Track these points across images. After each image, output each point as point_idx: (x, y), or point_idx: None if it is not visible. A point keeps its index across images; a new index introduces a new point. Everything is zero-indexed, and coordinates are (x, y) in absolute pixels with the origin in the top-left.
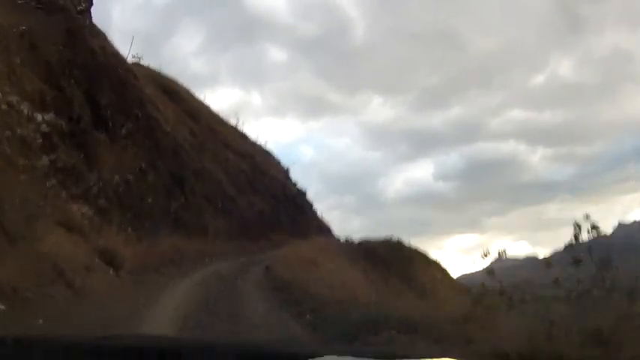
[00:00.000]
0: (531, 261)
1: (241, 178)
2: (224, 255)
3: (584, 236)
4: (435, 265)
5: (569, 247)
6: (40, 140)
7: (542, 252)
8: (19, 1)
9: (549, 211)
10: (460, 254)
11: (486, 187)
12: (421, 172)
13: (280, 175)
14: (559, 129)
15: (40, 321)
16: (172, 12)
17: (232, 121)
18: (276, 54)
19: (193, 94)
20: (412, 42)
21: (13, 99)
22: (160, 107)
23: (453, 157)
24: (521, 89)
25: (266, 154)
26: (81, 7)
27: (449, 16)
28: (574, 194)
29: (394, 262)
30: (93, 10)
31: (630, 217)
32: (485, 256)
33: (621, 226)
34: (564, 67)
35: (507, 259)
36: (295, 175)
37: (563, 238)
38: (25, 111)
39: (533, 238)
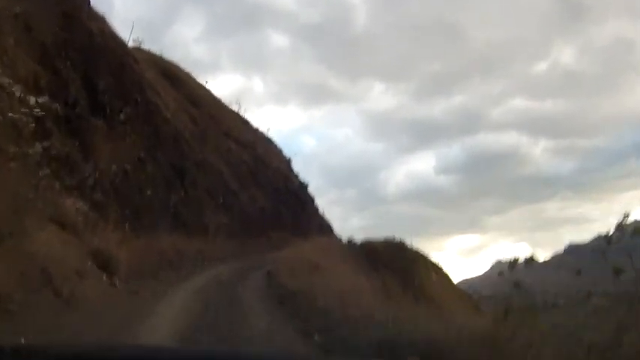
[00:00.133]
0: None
1: (243, 170)
2: (225, 256)
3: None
4: (436, 270)
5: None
6: (32, 125)
7: (543, 254)
8: None
9: (550, 210)
10: (460, 256)
11: (487, 182)
12: (422, 164)
13: (282, 165)
14: (561, 119)
15: (22, 340)
16: None
17: (234, 108)
18: (279, 40)
19: (195, 78)
20: (414, 29)
21: (5, 81)
22: (161, 92)
23: (455, 149)
24: (523, 77)
25: (268, 143)
26: None
27: (451, 4)
28: (575, 190)
29: (397, 266)
30: None
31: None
32: (513, 266)
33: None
34: (566, 55)
35: (507, 262)
36: (297, 167)
37: (563, 239)
38: (18, 94)
39: (533, 239)
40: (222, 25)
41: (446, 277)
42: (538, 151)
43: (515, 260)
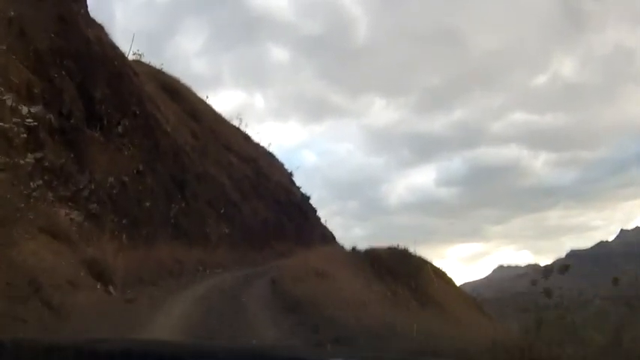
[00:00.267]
0: (533, 269)
1: (245, 183)
2: (226, 265)
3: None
4: (440, 275)
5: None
6: (24, 135)
7: (545, 261)
8: None
9: (552, 218)
10: (461, 263)
11: (489, 194)
12: (423, 177)
13: (284, 179)
14: (561, 133)
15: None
16: (174, 12)
17: (235, 123)
18: (279, 54)
19: (195, 93)
20: (415, 43)
21: None
22: (161, 106)
23: (456, 163)
24: (523, 91)
25: (269, 157)
26: None
27: (451, 17)
28: (577, 200)
29: (401, 272)
30: (93, 6)
31: (632, 224)
32: (548, 274)
33: (623, 233)
34: (566, 67)
35: (509, 268)
36: (299, 181)
37: (564, 246)
38: (9, 102)
39: (535, 247)
40: (223, 38)
41: (450, 281)
42: (539, 163)
43: (550, 268)
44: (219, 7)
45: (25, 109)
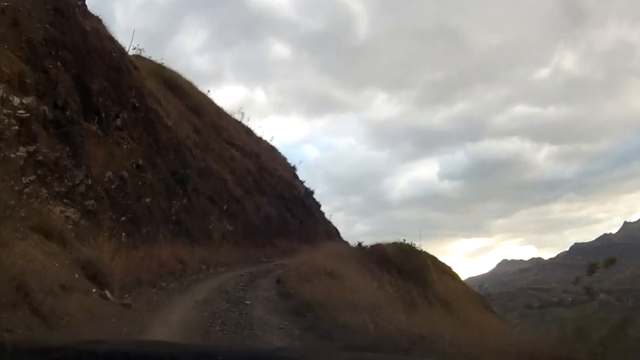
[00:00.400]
0: (536, 263)
1: (247, 178)
2: (230, 264)
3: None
4: (447, 272)
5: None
6: (16, 128)
7: (548, 254)
8: None
9: (555, 212)
10: (465, 258)
11: (492, 187)
12: (426, 171)
13: (287, 174)
14: (564, 125)
15: None
16: (175, 10)
17: (237, 117)
18: (280, 50)
19: (197, 87)
20: (416, 37)
21: None
22: (161, 100)
23: (458, 156)
24: (525, 84)
25: (272, 152)
26: None
27: (452, 12)
28: (579, 193)
29: (408, 269)
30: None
31: (635, 216)
32: (593, 270)
33: (627, 225)
34: (568, 61)
35: (513, 262)
36: (301, 175)
37: (568, 240)
38: (0, 93)
39: (539, 241)
40: (224, 35)
41: (456, 277)
42: (541, 156)
43: (595, 264)
44: (221, 4)
45: (16, 100)
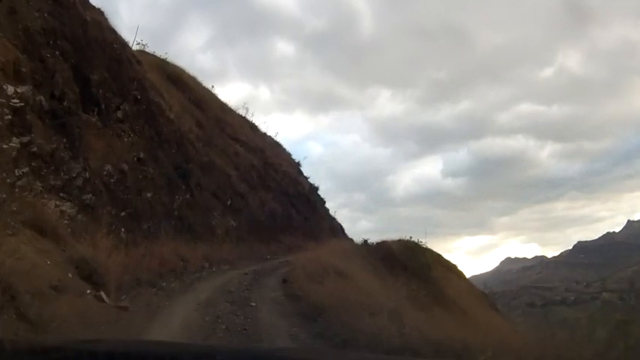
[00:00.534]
0: (540, 261)
1: (252, 173)
2: (233, 261)
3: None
4: (453, 270)
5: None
6: (9, 117)
7: (552, 253)
8: None
9: (558, 210)
10: (468, 255)
11: (495, 184)
12: (430, 168)
13: (292, 169)
14: (567, 123)
15: None
16: (179, 7)
17: (241, 112)
18: (285, 48)
19: (201, 82)
20: (420, 35)
21: None
22: (164, 94)
23: (462, 153)
24: (529, 83)
25: (277, 147)
26: None
27: (457, 10)
28: (583, 191)
29: (416, 268)
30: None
31: (639, 215)
32: None
33: (630, 224)
34: (572, 60)
35: (517, 260)
36: (305, 172)
37: (571, 238)
38: None
39: (542, 239)
40: (228, 33)
41: (461, 275)
42: (545, 154)
43: None
44: (225, 2)
45: (10, 89)
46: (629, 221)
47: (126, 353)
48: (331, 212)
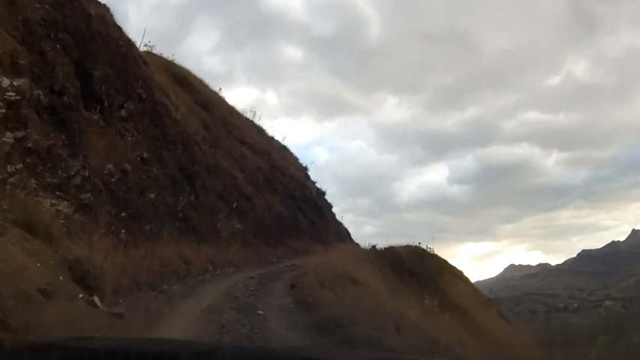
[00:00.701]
0: (543, 268)
1: (258, 176)
2: (238, 264)
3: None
4: (459, 276)
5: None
6: (3, 110)
7: (556, 261)
8: None
9: (563, 218)
10: (472, 262)
11: (500, 192)
12: (435, 175)
13: (299, 173)
14: (574, 131)
15: None
16: (187, 10)
17: (249, 115)
18: (292, 52)
19: (208, 85)
20: (427, 42)
21: None
22: (170, 94)
23: (468, 161)
24: (536, 90)
25: (284, 151)
26: None
27: (464, 17)
28: (588, 199)
29: (424, 274)
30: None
31: None
32: None
33: (635, 233)
34: (579, 68)
35: (520, 267)
36: (312, 176)
37: (575, 246)
38: None
39: (546, 247)
40: (236, 37)
41: (467, 281)
42: (551, 162)
43: None
44: (233, 5)
45: (6, 82)
46: (634, 230)
47: (126, 351)
48: (337, 217)
